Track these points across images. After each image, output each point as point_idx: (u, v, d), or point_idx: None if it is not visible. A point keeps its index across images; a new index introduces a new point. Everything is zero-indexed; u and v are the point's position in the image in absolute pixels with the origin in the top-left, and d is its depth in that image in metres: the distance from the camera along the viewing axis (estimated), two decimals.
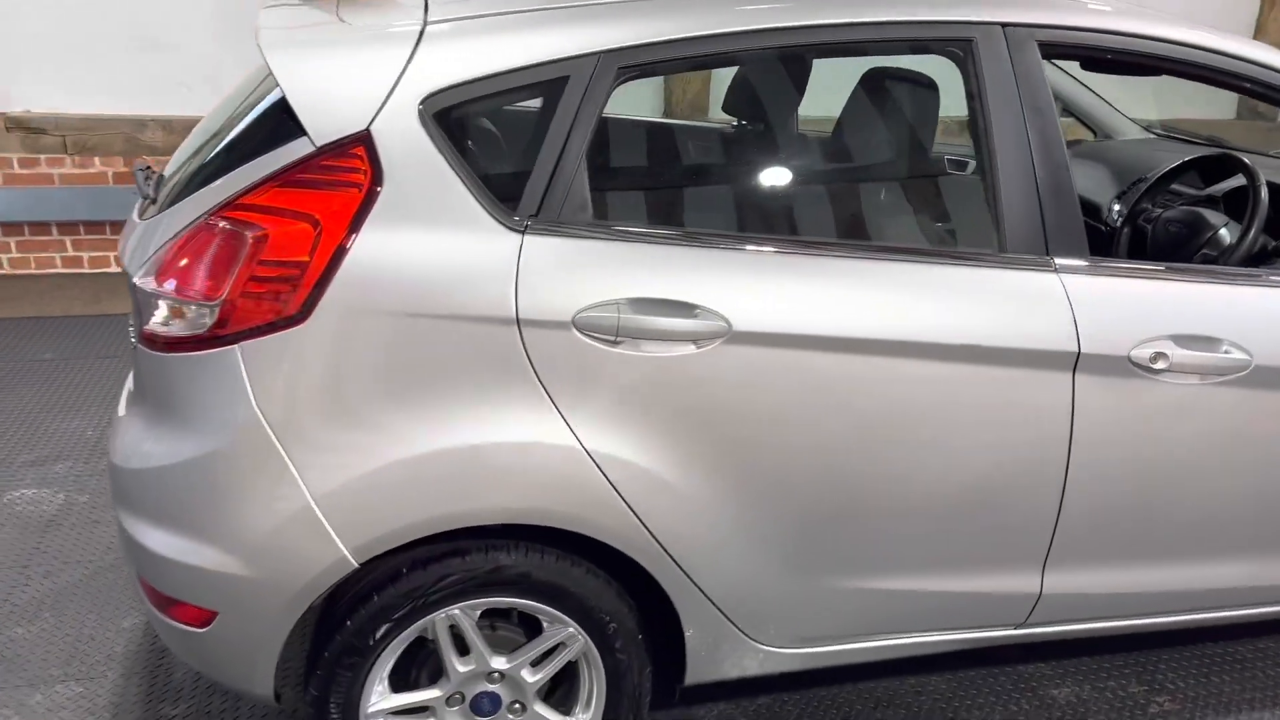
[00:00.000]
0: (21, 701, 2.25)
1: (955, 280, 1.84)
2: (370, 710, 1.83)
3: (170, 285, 1.66)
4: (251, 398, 1.64)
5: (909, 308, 1.80)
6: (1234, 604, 2.23)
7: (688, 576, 1.84)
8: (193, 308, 1.65)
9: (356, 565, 1.69)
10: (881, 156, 2.50)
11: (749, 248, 1.78)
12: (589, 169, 1.74)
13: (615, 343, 1.70)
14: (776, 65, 2.45)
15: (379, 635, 1.77)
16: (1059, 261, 1.89)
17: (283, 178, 1.65)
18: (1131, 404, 1.93)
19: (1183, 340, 1.92)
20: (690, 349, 1.72)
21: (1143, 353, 1.90)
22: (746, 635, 1.96)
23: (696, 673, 1.98)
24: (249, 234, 1.63)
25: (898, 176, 2.43)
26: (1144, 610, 2.17)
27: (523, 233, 1.69)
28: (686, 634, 1.92)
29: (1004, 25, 1.89)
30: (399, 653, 1.83)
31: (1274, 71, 2.04)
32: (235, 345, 1.64)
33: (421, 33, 1.72)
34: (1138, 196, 2.67)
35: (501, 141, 1.81)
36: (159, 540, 1.74)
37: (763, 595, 1.93)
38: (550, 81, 1.73)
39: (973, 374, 1.84)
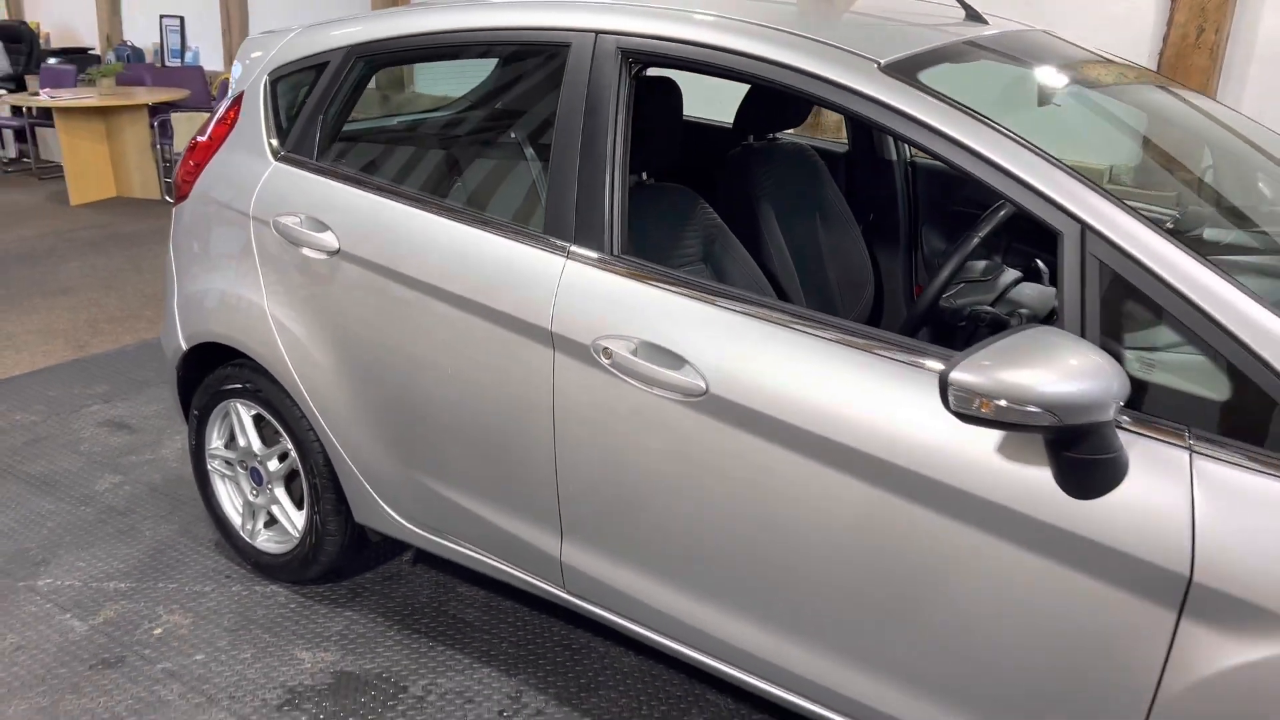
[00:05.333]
0: None
1: (486, 246, 2.15)
2: (210, 448, 2.91)
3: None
4: (171, 237, 2.85)
5: (454, 258, 2.19)
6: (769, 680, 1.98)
7: (329, 430, 2.51)
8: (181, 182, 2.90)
9: (184, 348, 2.78)
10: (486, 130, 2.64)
11: (377, 195, 2.35)
12: (327, 127, 2.52)
13: (293, 244, 2.47)
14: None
15: (205, 403, 2.83)
16: (578, 249, 2.04)
17: (220, 113, 2.79)
18: (598, 397, 1.98)
19: (645, 348, 1.90)
20: (324, 257, 2.41)
21: (600, 345, 1.95)
22: (376, 497, 2.52)
23: (361, 515, 2.61)
24: (195, 141, 2.81)
25: (498, 153, 2.56)
26: (685, 638, 2.07)
27: (276, 161, 2.56)
28: (340, 478, 2.57)
29: (597, 33, 2.08)
30: (229, 420, 2.86)
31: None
32: (176, 206, 2.85)
33: (310, 28, 2.67)
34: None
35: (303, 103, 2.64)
36: None
37: (379, 466, 2.47)
38: (318, 65, 2.55)
39: (482, 328, 2.14)
